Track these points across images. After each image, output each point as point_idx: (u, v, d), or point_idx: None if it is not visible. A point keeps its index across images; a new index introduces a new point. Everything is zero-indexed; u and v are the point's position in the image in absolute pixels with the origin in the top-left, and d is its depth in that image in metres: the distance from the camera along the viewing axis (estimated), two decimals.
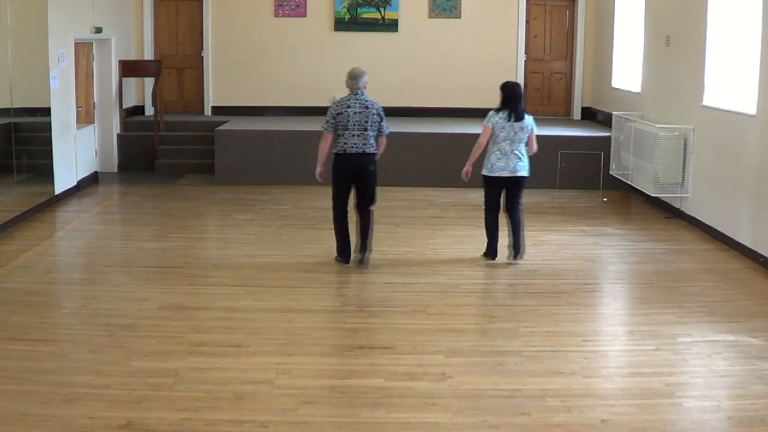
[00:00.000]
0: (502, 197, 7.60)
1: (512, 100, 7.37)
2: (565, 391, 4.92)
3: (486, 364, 5.32)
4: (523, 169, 7.48)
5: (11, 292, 6.66)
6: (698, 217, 9.08)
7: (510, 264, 7.56)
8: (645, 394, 4.92)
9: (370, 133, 7.32)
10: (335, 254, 7.59)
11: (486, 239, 7.71)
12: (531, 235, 8.77)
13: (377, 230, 8.86)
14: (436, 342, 5.77)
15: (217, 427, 4.41)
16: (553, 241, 8.52)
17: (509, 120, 7.33)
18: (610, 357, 5.59)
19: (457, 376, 5.12)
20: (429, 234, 8.37)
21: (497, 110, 7.40)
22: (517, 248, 7.56)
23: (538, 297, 6.72)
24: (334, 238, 7.56)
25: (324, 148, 7.36)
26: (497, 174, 7.42)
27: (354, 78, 7.33)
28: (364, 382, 5.01)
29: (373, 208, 7.51)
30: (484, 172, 7.50)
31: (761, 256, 7.63)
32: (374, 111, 7.33)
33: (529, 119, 7.45)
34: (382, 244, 8.24)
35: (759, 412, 4.68)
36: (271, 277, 7.26)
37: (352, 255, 7.52)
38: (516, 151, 7.40)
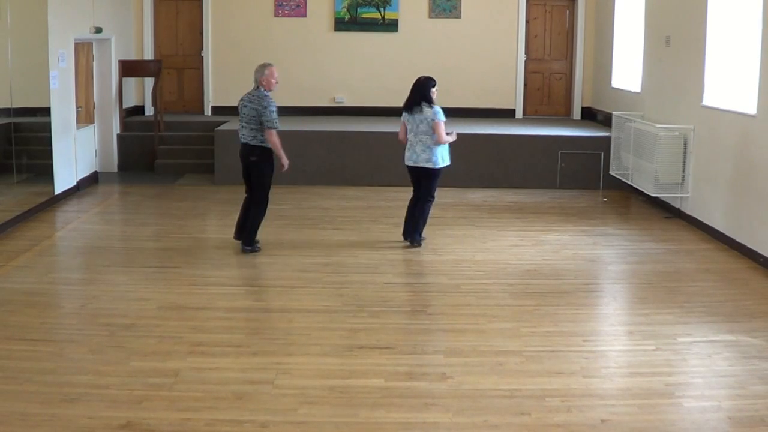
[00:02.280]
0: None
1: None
2: (565, 391, 4.92)
3: (486, 364, 5.31)
4: None
5: (11, 292, 6.66)
6: (698, 217, 9.08)
7: (507, 264, 7.61)
8: (645, 394, 4.92)
9: None
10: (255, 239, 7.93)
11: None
12: (531, 235, 8.79)
13: (378, 230, 8.90)
14: (436, 342, 5.77)
15: (217, 427, 4.41)
16: (553, 241, 8.51)
17: None
18: (610, 357, 5.59)
19: (457, 376, 5.11)
20: (429, 234, 8.36)
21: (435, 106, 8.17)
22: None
23: (538, 297, 6.72)
24: (264, 231, 7.93)
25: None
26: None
27: (257, 71, 7.70)
28: (364, 382, 5.01)
29: None
30: (442, 164, 8.13)
31: (761, 256, 7.62)
32: None
33: None
34: (382, 244, 8.24)
35: (759, 412, 4.67)
36: (271, 277, 7.26)
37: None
38: None
